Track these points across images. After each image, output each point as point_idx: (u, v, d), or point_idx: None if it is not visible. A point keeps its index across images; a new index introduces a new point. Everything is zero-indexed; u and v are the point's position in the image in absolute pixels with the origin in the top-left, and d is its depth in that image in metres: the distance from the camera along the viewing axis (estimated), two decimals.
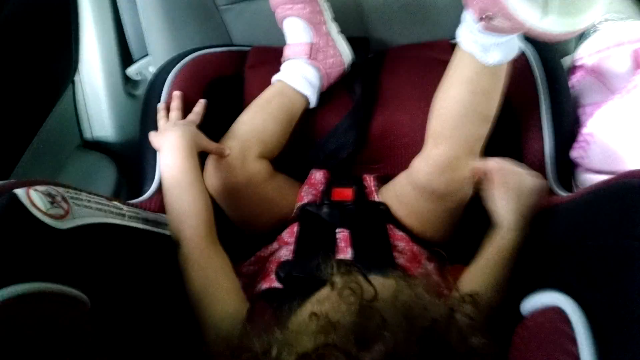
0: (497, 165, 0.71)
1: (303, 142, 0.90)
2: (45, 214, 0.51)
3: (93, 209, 0.60)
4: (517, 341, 0.34)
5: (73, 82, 1.07)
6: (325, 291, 0.50)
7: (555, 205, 0.63)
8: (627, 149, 0.74)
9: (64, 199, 0.55)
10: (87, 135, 1.12)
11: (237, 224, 0.85)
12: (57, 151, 1.02)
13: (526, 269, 0.56)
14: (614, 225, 0.38)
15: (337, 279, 0.48)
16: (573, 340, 0.25)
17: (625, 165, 0.73)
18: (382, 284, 0.47)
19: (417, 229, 0.79)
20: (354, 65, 0.93)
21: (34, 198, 0.51)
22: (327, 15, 0.90)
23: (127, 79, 1.16)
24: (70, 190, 0.58)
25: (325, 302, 0.48)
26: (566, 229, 0.48)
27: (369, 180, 0.88)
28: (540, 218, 0.64)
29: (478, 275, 0.65)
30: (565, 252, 0.33)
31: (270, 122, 0.84)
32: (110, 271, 0.55)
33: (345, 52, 0.90)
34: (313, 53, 0.86)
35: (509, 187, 0.69)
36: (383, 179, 0.89)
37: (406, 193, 0.79)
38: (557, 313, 0.28)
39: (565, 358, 0.25)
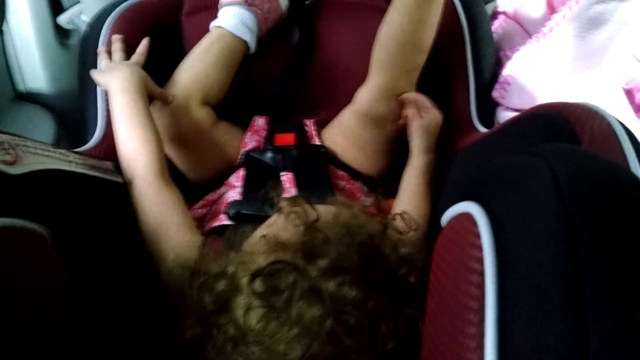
0: (416, 97, 0.80)
1: (244, 88, 0.92)
2: None
3: (40, 155, 0.61)
4: (437, 248, 0.40)
5: (1, 32, 1.03)
6: (274, 217, 0.55)
7: (476, 139, 0.70)
8: (542, 89, 0.81)
9: (11, 146, 0.56)
10: (20, 87, 1.09)
11: (184, 172, 0.87)
12: None
13: (448, 192, 0.64)
14: (517, 146, 0.44)
15: (284, 205, 0.52)
16: (477, 236, 0.31)
17: (540, 103, 0.80)
18: (324, 208, 0.52)
19: (358, 161, 0.86)
20: (290, 10, 0.94)
21: None
22: None
23: (58, 28, 1.12)
24: (16, 138, 0.59)
25: (274, 226, 0.52)
26: (480, 155, 0.55)
27: (310, 125, 0.92)
28: (461, 151, 0.71)
29: (404, 198, 0.73)
30: (478, 171, 0.39)
31: (211, 69, 0.85)
32: (65, 213, 0.57)
33: None
34: None
35: (422, 120, 0.79)
36: (322, 124, 0.93)
37: (350, 125, 0.85)
38: (467, 218, 0.33)
39: (472, 250, 0.31)
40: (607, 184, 0.28)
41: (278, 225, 0.52)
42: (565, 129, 0.47)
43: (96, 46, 0.87)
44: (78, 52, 0.90)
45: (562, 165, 0.30)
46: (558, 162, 0.30)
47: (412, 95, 0.81)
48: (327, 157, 0.86)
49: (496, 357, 0.26)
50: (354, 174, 0.85)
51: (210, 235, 0.69)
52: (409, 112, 0.80)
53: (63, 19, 1.10)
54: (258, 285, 0.45)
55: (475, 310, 0.28)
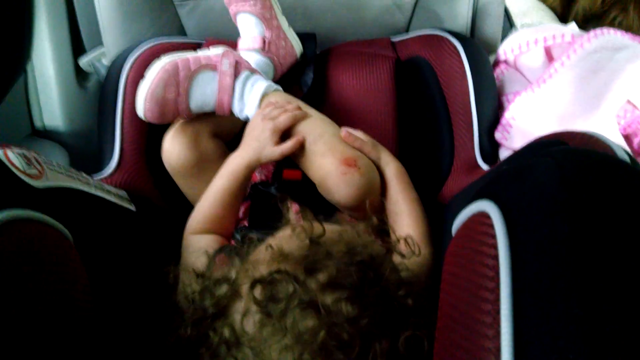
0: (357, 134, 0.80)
1: None
2: (22, 172, 0.54)
3: (64, 175, 0.63)
4: (448, 256, 0.41)
5: (25, 71, 1.08)
6: (281, 231, 0.56)
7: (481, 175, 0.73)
8: (542, 131, 0.84)
9: (37, 161, 0.59)
10: (38, 124, 1.12)
11: (194, 204, 0.89)
12: (7, 139, 1.02)
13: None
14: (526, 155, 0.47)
15: (292, 217, 0.54)
16: (491, 226, 0.33)
17: None
18: (329, 226, 0.54)
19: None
20: (304, 56, 0.99)
21: (11, 157, 0.54)
22: (277, 9, 0.96)
23: (78, 70, 1.17)
24: (42, 156, 0.61)
25: (280, 237, 0.54)
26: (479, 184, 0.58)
27: None
28: (466, 187, 0.73)
29: (395, 206, 0.74)
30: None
31: None
32: (82, 226, 0.58)
33: (296, 43, 0.97)
34: (266, 45, 0.93)
35: (371, 146, 0.79)
36: None
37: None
38: (480, 214, 0.35)
39: (486, 239, 0.33)
40: (611, 173, 0.30)
41: (284, 237, 0.54)
42: None
43: (117, 86, 0.92)
44: (102, 85, 0.95)
45: (568, 161, 0.32)
46: (564, 158, 0.32)
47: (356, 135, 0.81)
48: None
49: (511, 328, 0.27)
50: None
51: (218, 254, 0.70)
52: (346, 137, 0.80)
53: (84, 61, 1.16)
54: (258, 292, 0.46)
55: (491, 289, 0.29)
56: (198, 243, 0.72)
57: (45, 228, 0.44)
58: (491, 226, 0.33)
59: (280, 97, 0.84)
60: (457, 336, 0.32)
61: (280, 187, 0.87)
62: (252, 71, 0.85)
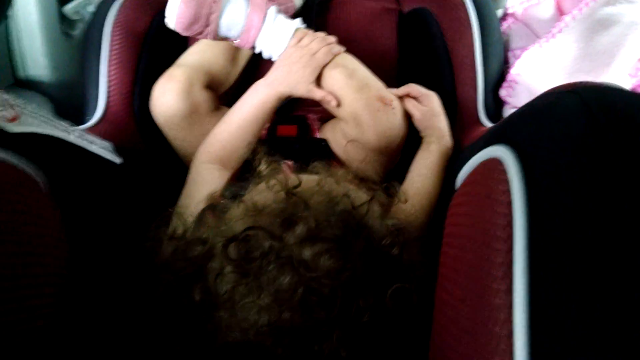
0: (408, 89, 0.78)
1: (251, 80, 0.91)
2: None
3: (40, 120, 0.59)
4: (453, 207, 0.38)
5: (6, 17, 1.02)
6: (257, 186, 0.53)
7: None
8: (549, 87, 0.81)
9: (11, 105, 0.55)
10: (20, 73, 1.07)
11: (182, 158, 0.86)
12: None
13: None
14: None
15: (263, 168, 0.51)
16: (506, 181, 0.29)
17: None
18: (307, 177, 0.51)
19: (348, 164, 0.83)
20: (304, 7, 0.94)
21: None
22: None
23: (63, 18, 1.11)
24: (17, 99, 0.57)
25: (254, 193, 0.51)
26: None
27: (313, 120, 0.92)
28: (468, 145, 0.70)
29: (416, 183, 0.70)
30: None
31: (221, 56, 0.85)
32: (60, 173, 0.55)
33: None
34: None
35: (425, 107, 0.77)
36: (326, 120, 0.92)
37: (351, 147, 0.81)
38: (494, 162, 0.32)
39: (500, 196, 0.29)
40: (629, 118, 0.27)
41: (258, 191, 0.50)
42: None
43: (101, 32, 0.87)
44: (84, 34, 0.90)
45: (595, 98, 0.28)
46: (590, 95, 0.29)
47: (402, 89, 0.79)
48: (328, 151, 0.85)
49: (527, 283, 0.24)
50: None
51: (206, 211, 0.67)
52: (408, 105, 0.78)
53: (69, 9, 1.10)
54: (232, 250, 0.43)
55: (503, 238, 0.26)
56: (206, 176, 0.71)
57: (13, 168, 0.40)
58: (504, 171, 0.29)
59: (315, 37, 0.80)
60: (463, 291, 0.29)
61: (274, 144, 0.84)
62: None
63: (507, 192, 0.27)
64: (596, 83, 0.33)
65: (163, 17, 0.89)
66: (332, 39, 0.79)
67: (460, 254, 0.33)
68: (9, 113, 0.53)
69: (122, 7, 0.87)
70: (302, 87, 0.76)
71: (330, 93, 0.76)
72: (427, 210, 0.66)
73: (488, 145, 0.34)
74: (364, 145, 0.73)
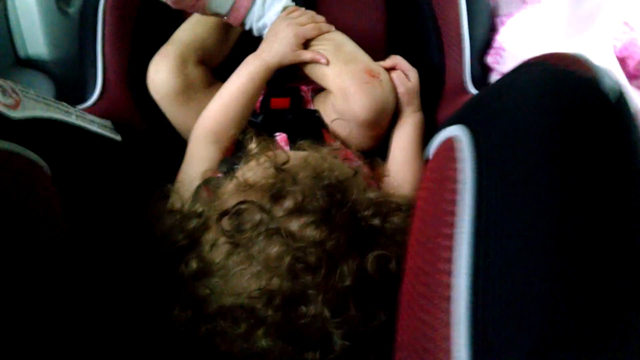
0: (397, 61, 0.80)
1: (244, 54, 0.93)
2: None
3: (42, 104, 0.62)
4: (422, 182, 0.41)
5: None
6: (248, 163, 0.56)
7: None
8: (535, 53, 0.82)
9: (14, 90, 0.58)
10: (21, 53, 1.09)
11: (180, 132, 0.89)
12: None
13: None
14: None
15: (253, 147, 0.54)
16: (460, 150, 0.32)
17: None
18: (295, 153, 0.54)
19: (337, 134, 0.86)
20: None
21: None
22: None
23: None
24: (18, 85, 0.60)
25: (246, 169, 0.54)
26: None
27: (306, 91, 0.94)
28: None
29: (399, 157, 0.74)
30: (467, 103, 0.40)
31: (213, 31, 0.87)
32: (63, 158, 0.58)
33: None
34: None
35: (411, 82, 0.79)
36: (319, 91, 0.95)
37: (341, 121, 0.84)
38: (453, 140, 0.34)
39: (453, 173, 0.32)
40: (587, 99, 0.30)
41: (249, 168, 0.53)
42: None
43: (96, 10, 0.88)
44: (79, 13, 0.91)
45: (547, 81, 0.31)
46: (543, 78, 0.31)
47: (389, 61, 0.81)
48: (321, 122, 0.88)
49: (470, 249, 0.27)
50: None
51: (203, 186, 0.71)
52: (395, 76, 0.80)
53: None
54: (225, 223, 0.47)
55: (452, 213, 0.29)
56: (202, 150, 0.73)
57: (19, 159, 0.43)
58: (459, 150, 0.32)
59: (303, 12, 0.83)
60: (420, 260, 0.33)
61: (268, 116, 0.86)
62: None
63: (459, 169, 0.30)
64: (553, 68, 0.35)
65: None
66: (321, 17, 0.81)
67: (421, 226, 0.36)
68: (11, 100, 0.56)
69: None
70: (289, 54, 0.78)
71: (319, 52, 0.78)
72: (410, 182, 0.69)
73: (452, 124, 0.37)
74: (352, 118, 0.76)
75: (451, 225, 0.29)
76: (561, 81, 0.32)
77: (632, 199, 0.26)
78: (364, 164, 0.83)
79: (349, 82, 0.74)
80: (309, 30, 0.79)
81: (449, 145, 0.34)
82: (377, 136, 0.80)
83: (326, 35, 0.80)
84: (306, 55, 0.78)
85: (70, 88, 1.08)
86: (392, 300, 0.42)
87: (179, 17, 0.89)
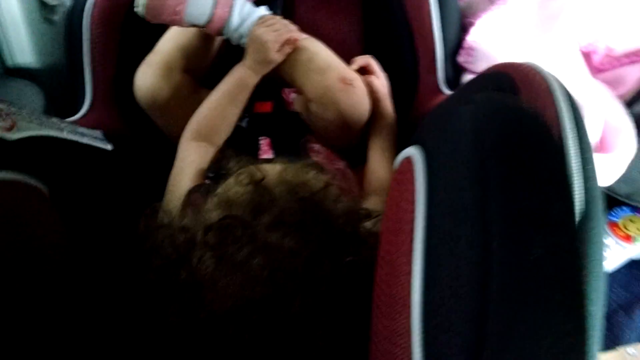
0: (369, 61, 0.84)
1: (227, 59, 0.96)
2: None
3: (35, 123, 0.66)
4: (389, 191, 0.45)
5: None
6: (229, 179, 0.60)
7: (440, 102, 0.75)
8: (505, 53, 0.86)
9: (7, 113, 0.61)
10: (9, 62, 1.12)
11: (170, 138, 0.92)
12: None
13: None
14: (456, 101, 0.50)
15: (233, 165, 0.58)
16: (413, 172, 0.37)
17: None
18: (270, 167, 0.58)
19: (326, 136, 0.90)
20: None
21: None
22: None
23: (43, 4, 1.15)
24: (11, 106, 0.63)
25: (226, 186, 0.58)
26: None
27: (288, 94, 0.97)
28: (427, 114, 0.77)
29: (374, 161, 0.78)
30: (423, 122, 0.45)
31: (196, 40, 0.90)
32: (59, 174, 0.62)
33: None
34: None
35: (382, 86, 0.82)
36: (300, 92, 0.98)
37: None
38: (409, 159, 0.39)
39: (409, 195, 0.37)
40: (516, 124, 0.34)
41: (229, 185, 0.57)
42: (508, 85, 0.52)
43: (80, 23, 0.91)
44: (64, 26, 0.94)
45: (481, 110, 0.35)
46: (480, 107, 0.35)
47: (363, 60, 0.85)
48: (303, 124, 0.92)
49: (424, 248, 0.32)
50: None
51: (192, 193, 0.74)
52: (370, 79, 0.84)
53: None
54: (210, 237, 0.51)
55: (408, 231, 0.34)
56: (192, 154, 0.77)
57: (19, 186, 0.47)
58: (415, 171, 0.37)
59: (278, 20, 0.87)
60: (386, 270, 0.37)
61: (252, 120, 0.90)
62: None
63: (415, 191, 0.35)
64: (489, 98, 0.39)
65: None
66: (294, 27, 0.86)
67: (386, 239, 0.40)
68: (6, 122, 0.59)
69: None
70: (273, 57, 0.83)
71: (298, 34, 0.84)
72: (384, 187, 0.74)
73: (412, 142, 0.41)
74: (330, 123, 0.80)
75: (409, 242, 0.33)
76: (498, 113, 0.36)
77: (547, 215, 0.30)
78: (345, 165, 0.87)
79: (325, 90, 0.79)
80: (285, 36, 0.83)
81: (407, 167, 0.39)
82: (354, 137, 0.84)
83: (301, 44, 0.85)
84: (285, 50, 0.84)
85: (60, 96, 1.11)
86: (367, 303, 0.46)
87: (163, 26, 0.92)
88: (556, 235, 0.29)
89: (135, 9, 0.80)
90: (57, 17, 1.16)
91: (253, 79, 0.84)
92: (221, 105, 0.82)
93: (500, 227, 0.29)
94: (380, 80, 0.84)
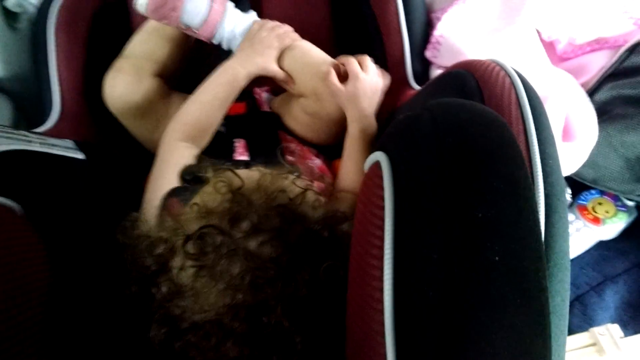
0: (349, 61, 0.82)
1: (198, 61, 0.96)
2: None
3: (3, 137, 0.65)
4: (359, 195, 0.46)
5: None
6: (206, 187, 0.61)
7: (408, 98, 0.77)
8: (470, 47, 0.88)
9: None
10: None
11: (142, 143, 0.92)
12: None
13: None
14: (423, 100, 0.51)
15: (209, 174, 0.59)
16: (381, 177, 0.38)
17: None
18: (247, 175, 0.58)
19: (302, 134, 0.91)
20: None
21: None
22: None
23: (6, 12, 1.13)
24: None
25: (204, 195, 0.58)
26: (405, 110, 0.62)
27: (260, 93, 0.98)
28: (397, 110, 0.78)
29: (346, 164, 0.79)
30: (389, 127, 0.46)
31: (164, 44, 0.89)
32: (32, 188, 0.61)
33: None
34: None
35: (356, 88, 0.80)
36: (273, 91, 0.99)
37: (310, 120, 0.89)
38: (376, 164, 0.40)
39: (377, 190, 0.38)
40: (474, 125, 0.35)
41: (206, 193, 0.58)
42: (471, 83, 0.54)
43: (44, 32, 0.90)
44: (30, 35, 0.92)
45: (441, 115, 0.36)
46: (439, 112, 0.37)
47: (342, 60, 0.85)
48: (277, 123, 0.92)
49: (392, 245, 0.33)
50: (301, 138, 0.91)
51: (169, 198, 0.74)
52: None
53: (10, 2, 1.11)
54: (190, 247, 0.51)
55: (378, 236, 0.35)
56: (176, 154, 0.76)
57: None
58: (383, 177, 0.38)
59: (277, 24, 0.88)
60: (357, 273, 0.38)
61: (228, 122, 0.90)
62: None
63: (384, 196, 0.36)
64: (448, 100, 0.41)
65: (101, 14, 0.93)
66: (289, 27, 0.88)
67: (356, 242, 0.41)
68: None
69: (62, 7, 0.90)
70: (269, 67, 0.84)
71: (288, 75, 0.86)
72: (357, 187, 0.75)
73: (379, 147, 0.42)
74: (325, 116, 0.83)
75: (379, 247, 0.35)
76: (453, 112, 0.37)
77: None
78: (322, 161, 0.88)
79: (320, 84, 0.80)
80: (288, 43, 0.85)
81: (375, 172, 0.40)
82: (339, 132, 0.86)
83: (295, 42, 0.87)
84: (281, 75, 0.86)
85: (29, 106, 1.10)
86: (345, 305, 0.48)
87: (130, 30, 0.91)
88: (512, 242, 0.31)
89: (134, 5, 0.80)
90: (21, 25, 1.15)
91: (244, 81, 0.84)
92: (213, 107, 0.82)
93: (459, 233, 0.31)
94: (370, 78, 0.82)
